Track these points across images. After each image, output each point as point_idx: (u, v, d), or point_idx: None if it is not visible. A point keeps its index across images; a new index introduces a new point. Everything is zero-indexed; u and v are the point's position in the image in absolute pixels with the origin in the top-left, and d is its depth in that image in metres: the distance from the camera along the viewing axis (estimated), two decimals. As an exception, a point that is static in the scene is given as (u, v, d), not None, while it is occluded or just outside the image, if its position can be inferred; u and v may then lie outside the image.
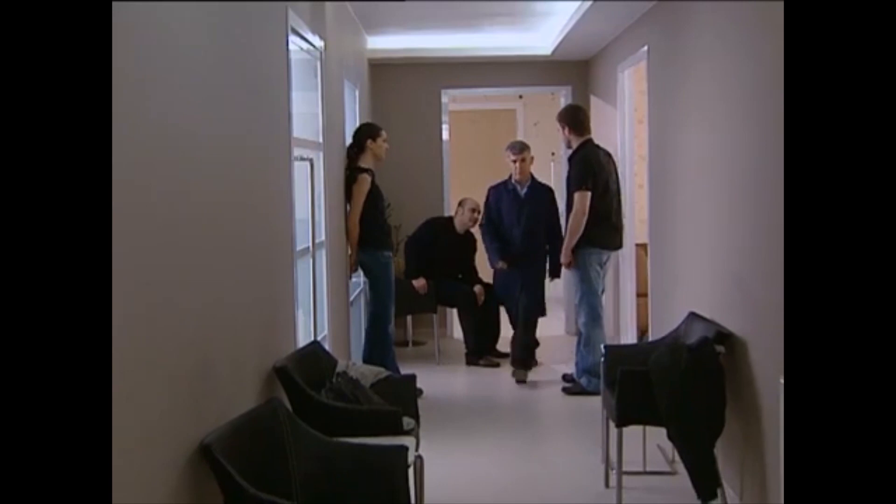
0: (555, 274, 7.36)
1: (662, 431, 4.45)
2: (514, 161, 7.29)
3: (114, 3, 2.07)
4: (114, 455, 2.09)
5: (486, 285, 7.86)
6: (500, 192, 7.43)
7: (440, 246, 7.86)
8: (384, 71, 9.05)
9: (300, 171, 4.78)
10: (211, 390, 2.98)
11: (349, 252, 6.35)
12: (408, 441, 3.56)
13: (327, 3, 5.73)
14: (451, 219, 8.09)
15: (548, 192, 7.43)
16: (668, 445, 4.76)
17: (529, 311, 7.34)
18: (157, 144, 2.52)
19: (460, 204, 8.02)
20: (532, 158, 7.39)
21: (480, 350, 7.80)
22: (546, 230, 7.27)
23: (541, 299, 7.35)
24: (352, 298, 6.61)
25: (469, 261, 8.08)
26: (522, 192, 7.32)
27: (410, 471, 3.43)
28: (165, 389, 2.56)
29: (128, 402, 2.24)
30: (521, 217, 7.27)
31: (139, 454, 2.35)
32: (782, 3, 3.57)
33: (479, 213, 7.77)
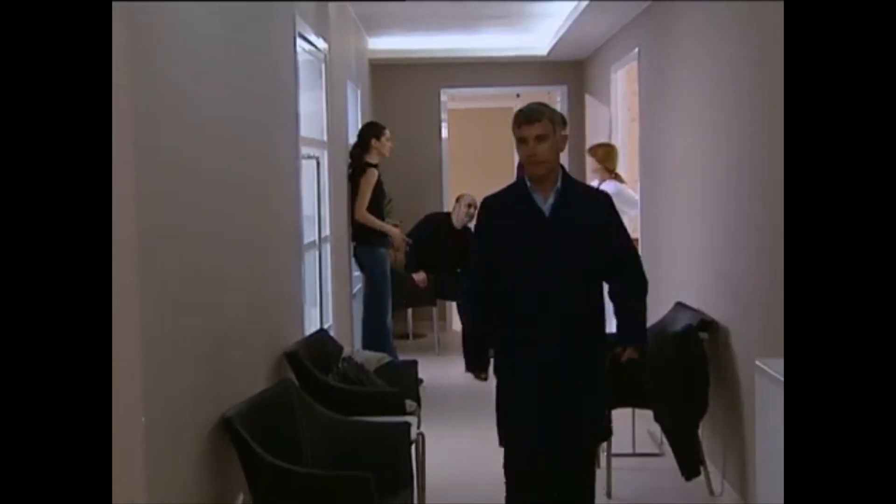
0: (633, 369, 3.69)
1: (652, 416, 4.72)
2: (524, 141, 3.57)
3: (134, 10, 2.30)
4: (149, 427, 2.37)
5: None
6: (502, 211, 3.68)
7: (439, 241, 8.12)
8: (385, 71, 9.29)
9: (307, 168, 5.04)
10: (227, 373, 3.24)
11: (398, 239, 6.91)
12: (410, 420, 3.81)
13: (330, 6, 5.97)
14: (449, 214, 8.34)
15: (601, 201, 3.71)
16: (657, 429, 5.02)
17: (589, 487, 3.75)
18: (178, 145, 2.77)
19: (457, 200, 8.28)
20: (564, 138, 3.66)
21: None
22: (608, 278, 3.70)
23: (606, 430, 3.99)
24: (355, 291, 6.86)
25: (467, 255, 8.31)
26: (546, 205, 3.58)
27: (413, 448, 3.68)
28: (189, 373, 2.82)
29: (158, 383, 2.51)
30: (549, 258, 3.55)
31: (170, 427, 2.61)
32: (764, 7, 3.82)
33: (474, 208, 8.01)
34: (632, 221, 6.31)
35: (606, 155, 6.86)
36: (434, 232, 8.15)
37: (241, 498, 3.22)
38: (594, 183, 7.10)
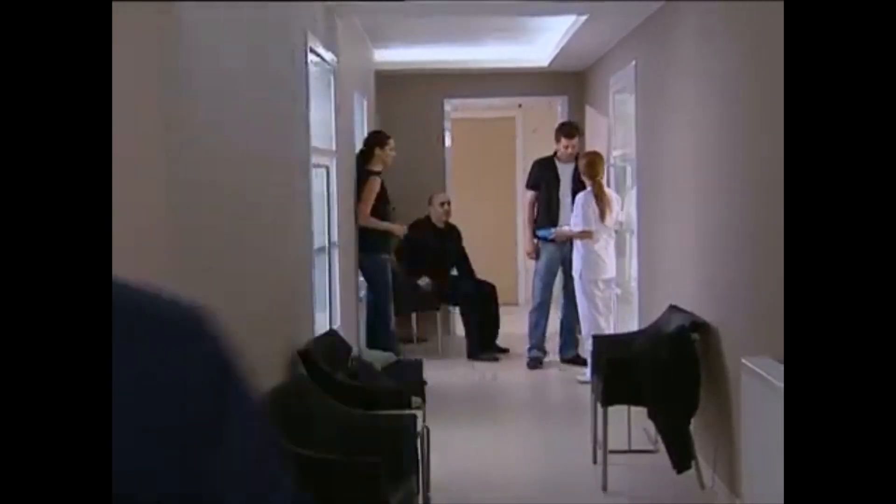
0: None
1: (646, 414, 4.94)
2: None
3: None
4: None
5: (479, 283, 8.38)
6: None
7: (429, 242, 8.35)
8: (390, 82, 9.49)
9: (317, 177, 5.27)
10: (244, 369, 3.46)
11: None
12: (416, 413, 4.04)
13: (339, 21, 6.19)
14: (428, 217, 8.58)
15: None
16: (651, 427, 5.23)
17: None
18: (201, 153, 3.00)
19: (430, 202, 8.58)
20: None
21: (482, 345, 8.28)
22: None
23: None
24: (362, 294, 7.08)
25: (459, 251, 8.59)
26: None
27: (418, 440, 3.90)
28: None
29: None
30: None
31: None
32: (760, 18, 4.04)
33: (448, 204, 8.37)
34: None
35: (589, 163, 7.10)
36: (422, 235, 8.33)
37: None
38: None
